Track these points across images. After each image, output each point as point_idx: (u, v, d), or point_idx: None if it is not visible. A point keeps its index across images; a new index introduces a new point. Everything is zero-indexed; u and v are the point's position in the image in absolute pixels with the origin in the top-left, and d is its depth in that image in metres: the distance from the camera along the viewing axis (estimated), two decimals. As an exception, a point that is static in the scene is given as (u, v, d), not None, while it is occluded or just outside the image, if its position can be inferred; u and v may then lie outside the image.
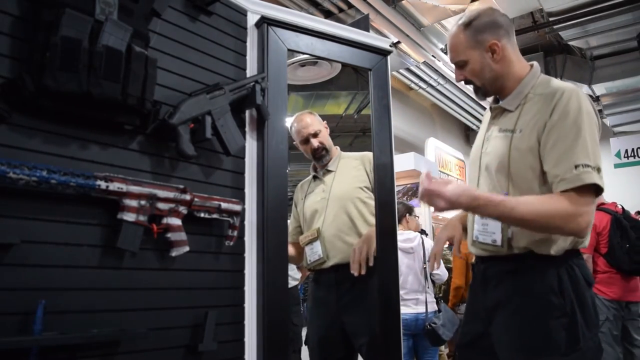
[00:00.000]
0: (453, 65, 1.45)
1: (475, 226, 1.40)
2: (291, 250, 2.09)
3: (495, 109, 1.42)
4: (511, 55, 1.37)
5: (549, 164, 1.23)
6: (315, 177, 2.19)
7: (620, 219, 3.17)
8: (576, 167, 1.17)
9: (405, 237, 3.07)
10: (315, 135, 2.10)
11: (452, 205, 1.24)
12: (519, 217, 1.20)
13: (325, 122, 2.19)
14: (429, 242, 3.14)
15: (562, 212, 1.17)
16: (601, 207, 3.30)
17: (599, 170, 1.19)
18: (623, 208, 3.32)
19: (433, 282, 3.10)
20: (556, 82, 1.33)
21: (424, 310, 2.90)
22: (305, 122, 2.12)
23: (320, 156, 2.12)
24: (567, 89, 1.27)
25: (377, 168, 1.84)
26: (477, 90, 1.43)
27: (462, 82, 1.43)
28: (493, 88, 1.40)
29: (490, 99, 1.49)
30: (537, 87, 1.34)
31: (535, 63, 1.41)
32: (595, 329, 1.25)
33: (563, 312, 1.21)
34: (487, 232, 1.35)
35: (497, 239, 1.32)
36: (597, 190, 1.19)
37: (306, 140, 2.11)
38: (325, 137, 2.13)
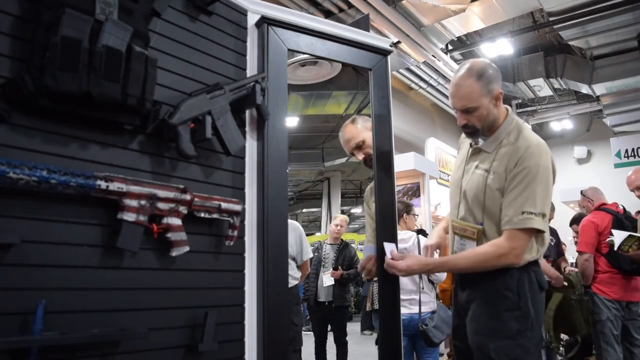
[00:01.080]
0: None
1: (455, 244, 1.65)
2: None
3: (475, 148, 1.65)
4: (501, 102, 1.58)
5: (504, 204, 1.51)
6: None
7: (621, 219, 3.16)
8: (522, 212, 1.45)
9: (399, 237, 3.02)
10: (359, 147, 1.99)
11: (407, 273, 1.61)
12: (461, 269, 1.57)
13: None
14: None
15: (493, 253, 1.47)
16: (602, 207, 3.30)
17: (543, 216, 1.47)
18: (624, 208, 3.31)
19: (432, 282, 3.08)
20: (525, 135, 1.54)
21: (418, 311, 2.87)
22: (347, 136, 2.02)
23: (371, 165, 1.98)
24: (531, 146, 1.51)
25: (377, 168, 1.84)
26: (474, 132, 1.60)
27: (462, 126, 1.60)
28: (486, 130, 1.59)
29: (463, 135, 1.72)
30: (510, 134, 1.57)
31: (509, 109, 1.63)
32: (540, 323, 1.54)
33: (517, 307, 1.47)
34: (464, 249, 1.59)
35: None
36: (537, 231, 1.48)
37: (352, 154, 2.03)
38: (371, 143, 1.92)
